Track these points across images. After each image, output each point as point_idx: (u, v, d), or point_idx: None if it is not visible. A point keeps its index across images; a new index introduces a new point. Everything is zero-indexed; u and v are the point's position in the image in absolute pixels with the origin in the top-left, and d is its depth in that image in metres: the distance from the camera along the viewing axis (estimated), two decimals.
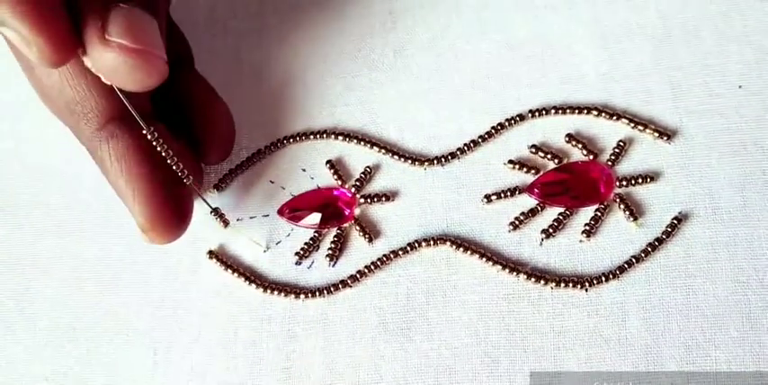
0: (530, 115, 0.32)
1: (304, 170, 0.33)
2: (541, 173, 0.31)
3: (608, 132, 0.31)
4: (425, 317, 0.30)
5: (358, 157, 0.33)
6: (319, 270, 0.31)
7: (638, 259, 0.29)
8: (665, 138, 0.30)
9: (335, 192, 0.32)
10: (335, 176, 0.32)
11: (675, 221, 0.29)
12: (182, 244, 0.32)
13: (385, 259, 0.30)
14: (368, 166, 0.32)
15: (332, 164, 0.33)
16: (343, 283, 0.30)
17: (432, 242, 0.30)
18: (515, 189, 0.31)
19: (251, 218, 0.33)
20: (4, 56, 0.27)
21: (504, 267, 0.29)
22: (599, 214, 0.30)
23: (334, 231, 0.32)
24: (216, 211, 0.31)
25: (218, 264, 0.32)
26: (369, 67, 0.34)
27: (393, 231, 0.31)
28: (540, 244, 0.30)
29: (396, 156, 0.32)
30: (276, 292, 0.31)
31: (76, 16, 0.23)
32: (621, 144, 0.31)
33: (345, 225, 0.32)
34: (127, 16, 0.23)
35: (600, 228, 0.30)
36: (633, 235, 0.29)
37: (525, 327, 0.29)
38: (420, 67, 0.34)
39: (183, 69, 0.31)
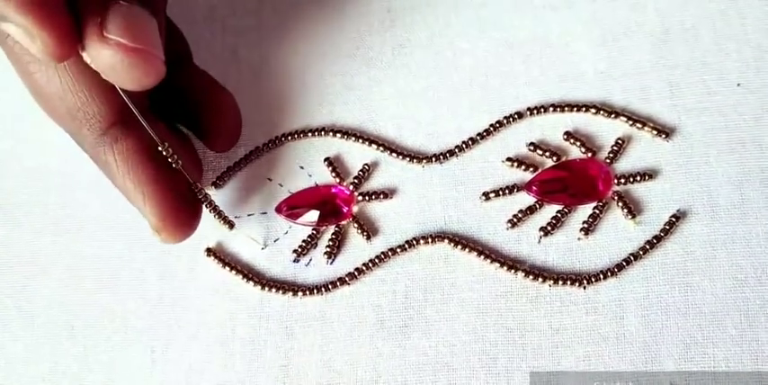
0: (528, 113, 0.32)
1: (302, 167, 0.33)
2: (540, 170, 0.31)
3: (606, 130, 0.31)
4: (423, 314, 0.30)
5: (356, 155, 0.33)
6: (317, 267, 0.31)
7: (636, 257, 0.29)
8: (664, 135, 0.30)
9: (333, 190, 0.32)
10: (333, 174, 0.32)
11: (674, 219, 0.29)
12: None
13: (383, 257, 0.30)
14: (366, 164, 0.32)
15: (330, 161, 0.33)
16: (341, 281, 0.30)
17: (430, 240, 0.30)
18: (513, 187, 0.31)
19: (249, 215, 0.32)
20: (2, 54, 0.27)
21: (502, 265, 0.29)
22: (597, 212, 0.30)
23: (332, 229, 0.32)
24: (220, 215, 0.31)
25: (216, 261, 0.32)
26: (367, 65, 0.34)
27: (391, 229, 0.31)
28: (539, 241, 0.30)
29: (394, 154, 0.32)
30: (274, 290, 0.31)
31: (76, 12, 0.23)
32: (620, 142, 0.31)
33: (343, 222, 0.32)
34: (126, 14, 0.22)
35: (598, 225, 0.30)
36: (631, 232, 0.29)
37: (523, 325, 0.29)
38: (418, 65, 0.34)
39: (182, 66, 0.31)
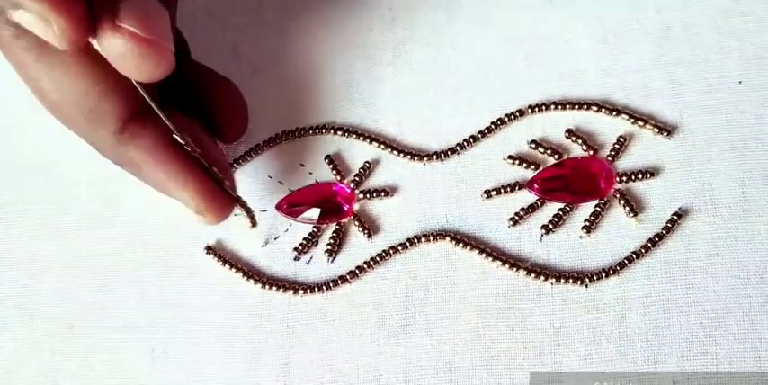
0: (529, 111, 0.32)
1: (303, 165, 0.33)
2: (541, 168, 0.31)
3: (608, 128, 0.31)
4: (425, 312, 0.29)
5: (357, 152, 0.33)
6: (318, 265, 0.31)
7: (638, 255, 0.29)
8: (666, 133, 0.30)
9: (334, 188, 0.32)
10: (334, 171, 0.32)
11: (675, 217, 0.29)
12: (180, 239, 0.32)
13: (384, 255, 0.30)
14: (367, 161, 0.32)
15: (331, 159, 0.33)
16: (342, 279, 0.30)
17: (431, 237, 0.30)
18: (515, 184, 0.31)
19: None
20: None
21: (503, 263, 0.29)
22: (599, 210, 0.30)
23: (332, 226, 0.32)
24: (248, 211, 0.31)
25: (217, 259, 0.32)
26: (368, 63, 0.34)
27: (392, 227, 0.31)
28: (540, 239, 0.30)
29: (395, 152, 0.32)
30: (275, 288, 0.31)
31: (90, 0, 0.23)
32: (621, 139, 0.30)
33: (344, 220, 0.32)
34: (140, 4, 0.23)
35: (600, 223, 0.30)
36: (633, 230, 0.29)
37: (525, 323, 0.29)
38: (419, 63, 0.34)
39: (183, 59, 0.31)
